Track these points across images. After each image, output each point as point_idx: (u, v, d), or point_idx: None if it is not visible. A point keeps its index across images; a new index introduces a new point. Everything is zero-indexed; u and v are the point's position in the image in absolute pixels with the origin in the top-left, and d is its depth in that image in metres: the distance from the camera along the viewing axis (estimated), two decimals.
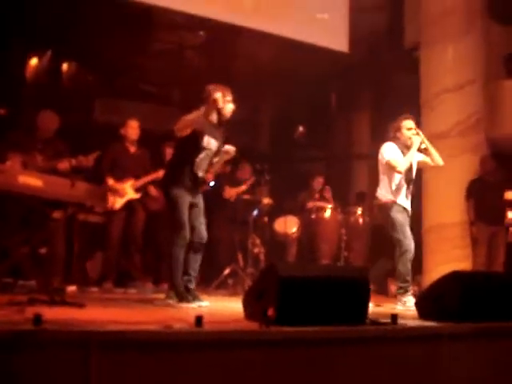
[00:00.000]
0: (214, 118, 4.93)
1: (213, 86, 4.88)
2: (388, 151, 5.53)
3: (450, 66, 8.02)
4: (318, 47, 8.18)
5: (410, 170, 5.57)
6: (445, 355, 3.50)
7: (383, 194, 5.56)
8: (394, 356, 3.35)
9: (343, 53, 8.38)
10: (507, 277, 4.88)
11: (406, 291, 5.38)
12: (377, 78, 10.52)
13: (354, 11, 8.65)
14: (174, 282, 4.82)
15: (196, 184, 4.92)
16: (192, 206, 4.90)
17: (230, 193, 7.32)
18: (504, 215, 7.36)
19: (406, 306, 5.19)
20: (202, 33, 9.38)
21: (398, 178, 5.51)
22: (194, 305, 4.65)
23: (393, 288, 7.50)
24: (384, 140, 5.66)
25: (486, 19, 8.37)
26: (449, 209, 7.43)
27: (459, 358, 3.55)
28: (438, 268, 6.97)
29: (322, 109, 11.02)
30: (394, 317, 3.54)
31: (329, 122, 11.30)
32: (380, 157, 5.57)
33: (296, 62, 8.75)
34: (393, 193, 5.51)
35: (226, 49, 9.29)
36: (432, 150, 5.65)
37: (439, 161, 5.69)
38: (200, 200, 4.98)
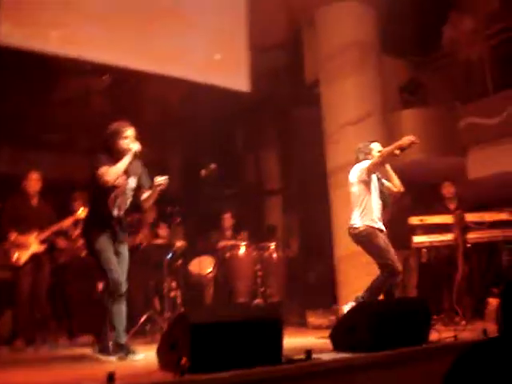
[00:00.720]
0: None
1: (114, 128, 4.81)
2: (361, 164, 5.61)
3: (349, 99, 8.34)
4: (219, 88, 8.27)
5: (380, 193, 5.65)
6: None
7: (359, 221, 5.54)
8: None
9: (245, 92, 8.50)
10: (415, 301, 5.04)
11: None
12: (281, 114, 10.72)
13: (253, 50, 8.80)
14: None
15: (115, 226, 4.73)
16: (114, 253, 4.70)
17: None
18: (411, 239, 7.60)
19: None
20: (106, 77, 9.30)
21: (373, 200, 5.56)
22: (114, 358, 4.53)
23: (312, 320, 7.58)
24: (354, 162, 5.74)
25: (380, 52, 8.77)
26: None
27: None
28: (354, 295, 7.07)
29: (230, 147, 11.10)
30: (308, 352, 3.58)
31: (237, 159, 11.38)
32: (353, 179, 5.61)
33: (201, 103, 8.81)
34: (368, 218, 5.51)
35: (132, 92, 9.24)
36: (393, 176, 5.81)
37: (400, 186, 5.82)
38: (123, 249, 4.78)
